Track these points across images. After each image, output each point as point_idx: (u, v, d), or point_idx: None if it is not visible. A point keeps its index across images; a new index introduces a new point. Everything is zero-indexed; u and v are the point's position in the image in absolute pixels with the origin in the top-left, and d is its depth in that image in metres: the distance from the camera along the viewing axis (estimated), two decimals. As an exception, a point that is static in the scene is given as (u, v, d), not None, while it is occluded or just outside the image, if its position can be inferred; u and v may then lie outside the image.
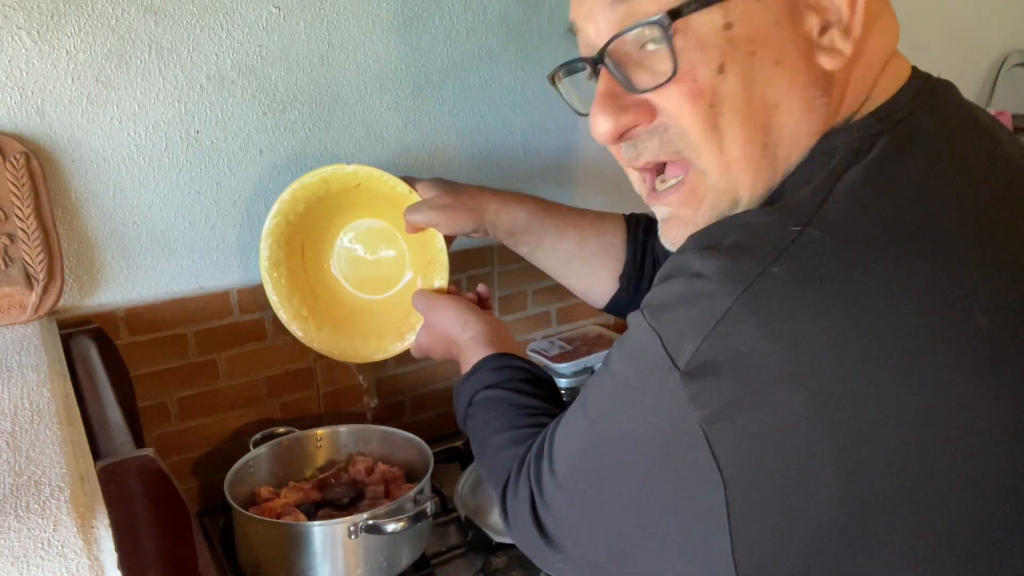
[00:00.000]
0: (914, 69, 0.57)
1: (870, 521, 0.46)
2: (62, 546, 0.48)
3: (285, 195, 0.93)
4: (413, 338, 0.92)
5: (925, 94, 0.55)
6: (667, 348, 0.48)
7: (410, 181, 0.91)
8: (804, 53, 0.52)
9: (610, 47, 0.54)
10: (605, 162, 1.27)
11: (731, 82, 0.51)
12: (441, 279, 0.93)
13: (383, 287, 1.02)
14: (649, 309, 0.51)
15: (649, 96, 0.54)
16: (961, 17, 1.71)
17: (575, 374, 1.16)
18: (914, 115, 0.53)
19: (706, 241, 0.51)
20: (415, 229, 0.91)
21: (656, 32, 0.52)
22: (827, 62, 0.52)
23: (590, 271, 0.94)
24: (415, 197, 0.90)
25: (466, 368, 0.81)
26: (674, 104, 0.53)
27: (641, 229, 0.94)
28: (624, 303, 0.94)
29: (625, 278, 0.93)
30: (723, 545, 0.48)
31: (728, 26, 0.51)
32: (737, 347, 0.46)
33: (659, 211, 0.60)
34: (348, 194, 0.94)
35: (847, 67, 0.53)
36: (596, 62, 0.56)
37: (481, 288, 0.94)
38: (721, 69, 0.51)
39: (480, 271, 1.21)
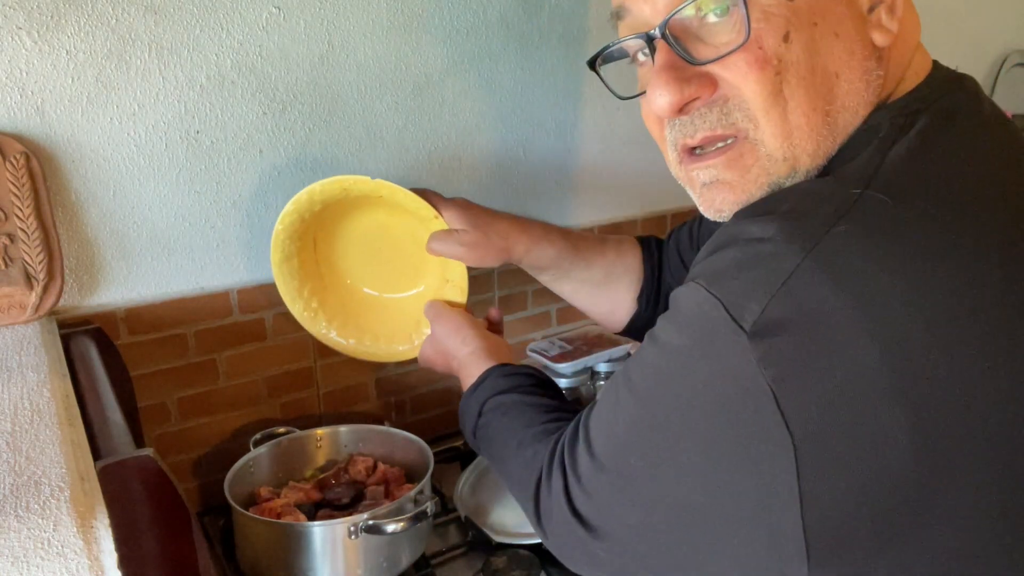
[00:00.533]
0: (935, 61, 0.59)
1: (942, 477, 0.46)
2: (62, 546, 0.48)
3: (303, 195, 0.88)
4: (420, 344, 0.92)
5: (954, 81, 0.57)
6: (730, 311, 0.48)
7: (432, 199, 0.88)
8: (858, 28, 0.54)
9: (669, 22, 0.55)
10: (604, 162, 1.27)
11: (796, 50, 0.53)
12: (457, 298, 0.93)
13: (396, 287, 1.01)
14: (704, 277, 0.51)
15: (711, 68, 0.55)
16: (961, 17, 1.72)
17: (575, 374, 1.16)
18: (947, 97, 0.56)
19: (759, 210, 0.52)
20: (438, 255, 0.90)
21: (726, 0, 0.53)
22: (879, 38, 0.55)
23: (613, 294, 0.95)
24: (440, 224, 0.88)
25: (468, 382, 0.81)
26: (740, 73, 0.54)
27: (653, 246, 0.96)
28: (641, 324, 0.94)
29: (643, 297, 0.94)
30: (792, 509, 0.48)
31: None
32: (807, 304, 0.46)
33: (702, 175, 0.59)
34: (367, 198, 0.91)
35: (890, 46, 0.56)
36: (653, 38, 0.57)
37: (493, 313, 0.94)
38: (787, 38, 0.53)
39: (480, 271, 1.21)
